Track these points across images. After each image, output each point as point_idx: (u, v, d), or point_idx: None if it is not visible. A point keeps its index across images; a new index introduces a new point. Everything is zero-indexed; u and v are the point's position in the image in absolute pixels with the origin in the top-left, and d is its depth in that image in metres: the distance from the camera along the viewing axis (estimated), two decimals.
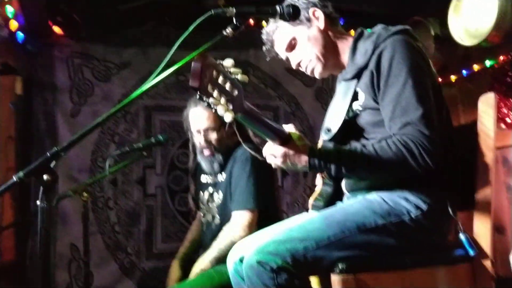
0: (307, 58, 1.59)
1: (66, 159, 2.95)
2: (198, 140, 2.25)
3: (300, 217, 1.57)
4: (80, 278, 2.90)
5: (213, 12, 1.29)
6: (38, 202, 1.12)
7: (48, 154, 1.13)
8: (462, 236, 1.34)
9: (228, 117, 1.14)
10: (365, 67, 1.44)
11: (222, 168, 2.25)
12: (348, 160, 1.32)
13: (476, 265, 1.36)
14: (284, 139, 1.33)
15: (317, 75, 1.61)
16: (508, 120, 2.94)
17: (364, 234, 1.31)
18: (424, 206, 1.33)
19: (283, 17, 1.32)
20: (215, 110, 1.13)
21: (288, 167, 1.35)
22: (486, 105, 1.45)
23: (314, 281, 1.40)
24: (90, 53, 3.16)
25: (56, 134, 3.00)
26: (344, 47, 1.58)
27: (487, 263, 1.35)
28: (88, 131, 1.18)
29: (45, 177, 1.12)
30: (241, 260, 1.45)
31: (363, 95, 1.44)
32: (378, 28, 1.51)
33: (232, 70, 1.18)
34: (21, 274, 2.81)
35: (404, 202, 1.34)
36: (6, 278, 2.78)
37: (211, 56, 1.14)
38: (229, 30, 1.29)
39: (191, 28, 1.31)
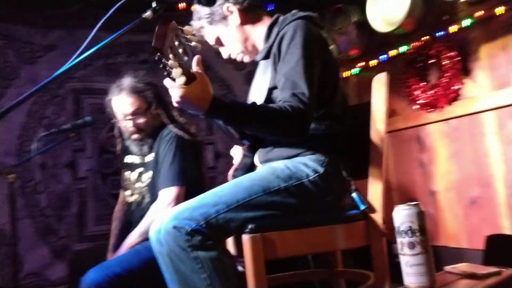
0: (234, 52, 1.75)
1: None
2: (125, 124, 2.27)
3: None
4: (7, 263, 2.87)
5: None
6: None
7: None
8: (354, 194, 1.51)
9: (181, 81, 1.22)
10: (271, 47, 1.58)
11: (151, 149, 2.29)
12: (243, 108, 1.38)
13: (370, 223, 1.52)
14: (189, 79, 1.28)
15: (247, 61, 1.79)
16: (421, 101, 3.16)
17: (269, 196, 1.43)
18: (320, 170, 1.49)
19: (200, 1, 1.41)
20: (171, 72, 1.20)
21: (184, 107, 1.32)
22: (379, 83, 1.61)
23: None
24: (12, 34, 3.07)
25: None
26: (263, 33, 1.69)
27: (379, 222, 1.51)
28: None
29: None
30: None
31: (273, 73, 1.57)
32: (290, 13, 1.63)
33: (189, 36, 1.25)
34: None
35: (303, 167, 1.49)
36: None
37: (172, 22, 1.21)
38: (148, 13, 1.37)
39: (111, 10, 1.37)
